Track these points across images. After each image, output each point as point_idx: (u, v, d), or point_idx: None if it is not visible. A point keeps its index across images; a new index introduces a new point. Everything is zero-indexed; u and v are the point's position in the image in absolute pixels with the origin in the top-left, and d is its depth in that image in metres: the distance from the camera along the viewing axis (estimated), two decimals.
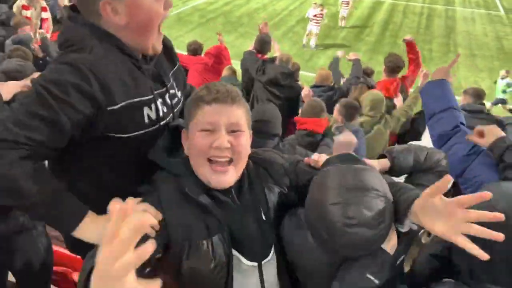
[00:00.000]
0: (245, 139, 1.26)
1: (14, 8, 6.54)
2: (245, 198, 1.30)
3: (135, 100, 1.29)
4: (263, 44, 4.75)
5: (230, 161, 1.22)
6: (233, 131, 1.22)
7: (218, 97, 1.21)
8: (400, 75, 4.80)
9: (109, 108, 1.21)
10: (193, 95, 1.28)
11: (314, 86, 4.65)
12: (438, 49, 15.30)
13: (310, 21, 14.98)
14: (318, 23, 14.88)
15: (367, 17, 18.87)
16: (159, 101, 1.38)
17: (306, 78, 9.59)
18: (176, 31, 16.74)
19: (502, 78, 11.33)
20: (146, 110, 1.32)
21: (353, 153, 1.37)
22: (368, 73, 5.29)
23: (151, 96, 1.34)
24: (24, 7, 6.53)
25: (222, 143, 1.19)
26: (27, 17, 6.19)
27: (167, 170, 1.29)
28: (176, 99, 1.51)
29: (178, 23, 17.78)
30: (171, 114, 1.45)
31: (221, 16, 18.85)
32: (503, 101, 11.20)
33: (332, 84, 4.76)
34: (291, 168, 1.43)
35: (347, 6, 16.67)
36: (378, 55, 14.63)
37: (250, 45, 5.09)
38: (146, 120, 1.33)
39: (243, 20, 18.21)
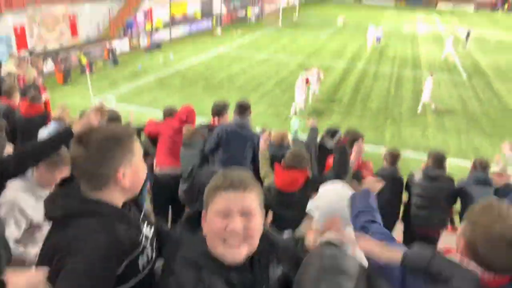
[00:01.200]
0: (258, 221, 1.39)
1: None
2: (253, 273, 1.43)
3: (134, 255, 1.49)
4: (221, 108, 4.95)
5: (243, 240, 1.36)
6: (245, 215, 1.35)
7: (232, 185, 1.35)
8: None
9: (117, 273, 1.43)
10: (211, 182, 1.42)
11: (272, 145, 4.86)
12: (408, 111, 16.16)
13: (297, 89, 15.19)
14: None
15: (339, 81, 19.96)
16: (147, 245, 1.57)
17: None
18: (157, 94, 17.32)
19: None
20: (140, 260, 1.52)
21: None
22: (332, 133, 5.53)
23: (142, 245, 1.54)
24: None
25: (235, 228, 1.32)
26: None
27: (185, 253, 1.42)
28: (150, 229, 1.68)
29: (159, 86, 18.43)
30: (153, 252, 1.63)
31: (202, 80, 19.65)
32: None
33: (288, 144, 4.98)
34: (291, 252, 1.65)
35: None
36: (351, 117, 15.37)
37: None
38: (141, 268, 1.53)
39: (223, 84, 19.01)
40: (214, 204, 1.36)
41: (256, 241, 1.39)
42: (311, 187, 3.22)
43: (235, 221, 1.33)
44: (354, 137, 4.28)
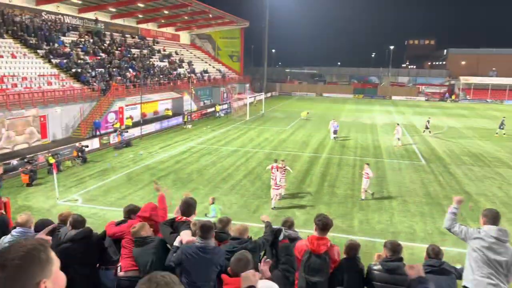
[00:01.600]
0: None
1: None
2: None
3: None
4: (187, 207, 4.97)
5: None
6: None
7: None
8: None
9: None
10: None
11: (232, 239, 4.89)
12: (375, 197, 16.64)
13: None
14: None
15: (306, 170, 20.62)
16: None
17: (252, 228, 9.92)
18: (126, 189, 17.21)
19: None
20: None
21: None
22: (289, 225, 5.67)
23: None
24: None
25: None
26: None
27: None
28: None
29: (128, 182, 18.38)
30: None
31: (172, 173, 19.82)
32: None
33: (249, 238, 5.02)
34: None
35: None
36: (319, 204, 15.64)
37: (201, 200, 5.30)
38: None
39: (193, 177, 19.21)
40: None
41: None
42: None
43: None
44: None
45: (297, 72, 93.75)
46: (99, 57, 36.57)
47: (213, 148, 26.17)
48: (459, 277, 4.78)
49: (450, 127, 37.72)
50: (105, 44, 40.01)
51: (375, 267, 4.76)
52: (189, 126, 35.12)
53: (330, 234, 6.62)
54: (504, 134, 32.36)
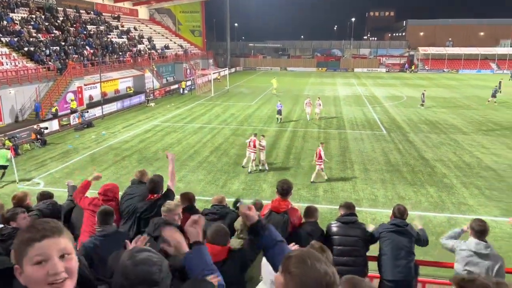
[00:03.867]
0: (75, 260, 1.52)
1: None
2: None
3: None
4: (154, 185, 5.03)
5: (66, 279, 1.47)
6: (64, 256, 1.47)
7: (45, 234, 1.46)
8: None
9: None
10: (20, 236, 1.50)
11: (213, 205, 5.11)
12: (337, 167, 17.18)
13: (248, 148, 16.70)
14: (254, 151, 16.47)
15: (272, 144, 20.89)
16: None
17: None
18: (90, 171, 16.85)
19: None
20: None
21: None
22: (258, 208, 5.89)
23: None
24: None
25: (57, 269, 1.43)
26: None
27: None
28: None
29: (91, 163, 17.98)
30: None
31: (136, 152, 19.53)
32: None
33: (224, 204, 5.23)
34: None
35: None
36: (286, 176, 15.99)
37: (167, 179, 5.30)
38: None
39: (158, 155, 19.03)
40: (30, 255, 1.44)
41: (75, 276, 1.52)
42: (235, 259, 3.36)
43: (56, 263, 1.44)
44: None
45: (261, 46, 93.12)
46: (52, 35, 34.82)
47: (178, 126, 25.90)
48: (419, 241, 5.11)
49: (409, 96, 39.00)
50: (58, 21, 38.06)
51: (333, 224, 5.13)
52: (152, 104, 34.43)
53: (296, 204, 6.95)
54: (495, 102, 33.71)
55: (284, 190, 4.87)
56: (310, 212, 5.12)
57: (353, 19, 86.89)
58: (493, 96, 34.20)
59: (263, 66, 79.47)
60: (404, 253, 4.96)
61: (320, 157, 15.28)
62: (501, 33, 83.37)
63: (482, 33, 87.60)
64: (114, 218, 4.34)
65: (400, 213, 5.18)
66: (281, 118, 26.65)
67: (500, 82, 39.73)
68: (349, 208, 5.21)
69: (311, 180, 15.36)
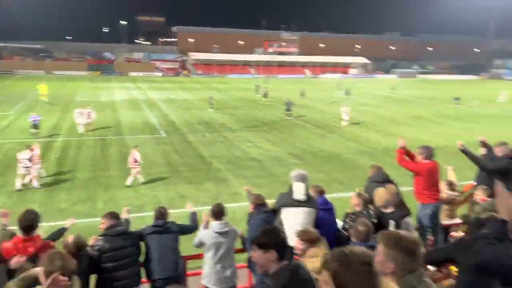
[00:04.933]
0: None
1: None
2: None
3: None
4: None
5: None
6: None
7: None
8: None
9: None
10: None
11: None
12: (118, 174, 16.42)
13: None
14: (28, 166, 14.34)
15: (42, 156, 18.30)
16: None
17: None
18: None
19: None
20: None
21: None
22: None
23: None
24: None
25: None
26: None
27: None
28: None
29: None
30: None
31: None
32: None
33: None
34: None
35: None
36: (59, 192, 14.28)
37: None
38: None
39: None
40: None
41: None
42: None
43: None
44: None
45: (16, 47, 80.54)
46: None
47: None
48: (181, 233, 5.42)
49: (185, 99, 41.04)
50: None
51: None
52: None
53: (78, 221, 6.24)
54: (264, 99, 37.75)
55: (28, 226, 4.32)
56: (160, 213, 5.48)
57: (123, 22, 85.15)
58: (265, 96, 39.90)
59: (22, 70, 68.95)
60: (170, 251, 5.22)
61: (135, 161, 15.18)
62: (256, 42, 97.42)
63: (241, 42, 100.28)
64: None
65: (161, 214, 5.50)
66: (37, 132, 22.21)
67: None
68: (161, 214, 5.42)
69: (127, 184, 14.91)
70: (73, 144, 21.09)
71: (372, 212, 5.33)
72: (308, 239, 4.00)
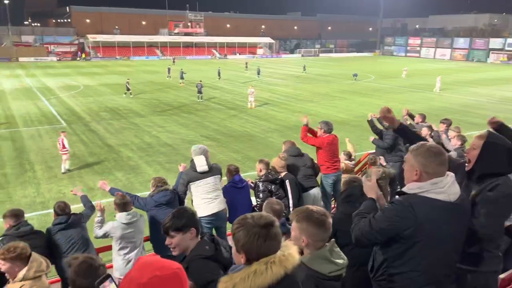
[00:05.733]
0: None
1: None
2: None
3: None
4: None
5: None
6: None
7: None
8: None
9: None
10: None
11: None
12: (13, 172, 14.96)
13: None
14: None
15: None
16: None
17: None
18: None
19: None
20: None
21: None
22: None
23: None
24: None
25: None
26: None
27: None
28: None
29: None
30: None
31: None
32: None
33: None
34: None
35: None
36: None
37: None
38: None
39: None
40: None
41: None
42: None
43: None
44: None
45: None
46: None
47: None
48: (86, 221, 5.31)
49: (86, 85, 38.31)
50: None
51: None
52: None
53: None
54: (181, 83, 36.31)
55: None
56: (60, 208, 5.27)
57: (6, 1, 75.69)
58: (181, 78, 38.55)
59: None
60: (80, 245, 5.05)
61: (64, 146, 14.80)
62: (160, 23, 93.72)
63: (144, 22, 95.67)
64: None
65: (61, 209, 5.26)
66: None
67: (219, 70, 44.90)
68: (17, 216, 4.77)
69: (62, 171, 14.71)
70: None
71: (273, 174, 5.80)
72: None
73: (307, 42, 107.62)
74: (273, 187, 5.68)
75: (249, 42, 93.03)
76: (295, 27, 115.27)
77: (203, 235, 2.96)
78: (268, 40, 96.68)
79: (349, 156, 8.34)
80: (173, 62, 61.09)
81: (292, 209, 5.23)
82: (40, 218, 11.14)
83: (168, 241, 2.83)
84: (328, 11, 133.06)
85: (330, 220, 2.55)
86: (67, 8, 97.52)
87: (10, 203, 12.32)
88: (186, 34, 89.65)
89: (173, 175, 14.68)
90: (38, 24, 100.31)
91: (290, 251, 2.02)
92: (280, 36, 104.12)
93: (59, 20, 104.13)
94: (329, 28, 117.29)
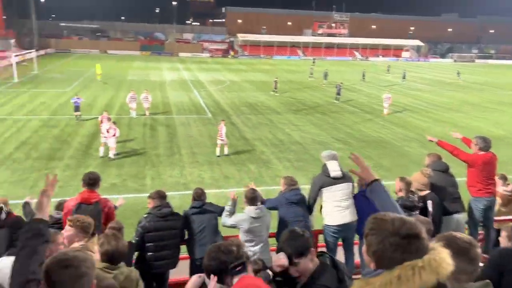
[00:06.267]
0: None
1: None
2: None
3: None
4: None
5: None
6: None
7: None
8: None
9: None
10: None
11: None
12: (164, 153, 16.94)
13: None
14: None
15: (94, 134, 19.21)
16: None
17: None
18: None
19: None
20: None
21: None
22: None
23: None
24: None
25: None
26: None
27: None
28: None
29: None
30: None
31: None
32: None
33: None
34: None
35: None
36: (109, 167, 14.96)
37: None
38: None
39: None
40: None
41: None
42: None
43: None
44: None
45: (75, 26, 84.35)
46: None
47: None
48: (220, 213, 5.54)
49: (231, 81, 41.27)
50: None
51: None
52: None
53: (123, 196, 6.69)
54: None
55: (92, 180, 5.11)
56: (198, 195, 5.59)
57: (174, 3, 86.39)
58: (325, 79, 39.24)
59: (79, 48, 72.32)
60: (209, 231, 5.32)
61: (221, 134, 16.52)
62: (305, 23, 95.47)
63: (289, 23, 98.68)
64: None
65: (198, 195, 5.63)
66: (80, 115, 21.95)
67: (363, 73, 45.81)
68: (161, 198, 5.28)
69: (217, 155, 16.62)
70: (124, 123, 21.85)
71: (415, 197, 5.15)
72: None
73: (462, 46, 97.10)
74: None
75: (395, 44, 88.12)
76: (449, 29, 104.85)
77: (320, 254, 2.77)
78: (416, 42, 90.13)
79: (505, 180, 7.08)
80: (313, 62, 61.49)
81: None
82: (182, 198, 12.35)
83: (292, 271, 2.61)
84: (491, 13, 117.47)
85: (479, 251, 2.14)
86: (223, 9, 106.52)
87: (159, 180, 14.00)
88: (329, 35, 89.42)
89: (301, 174, 14.84)
90: (198, 24, 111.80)
91: (442, 255, 1.67)
92: (431, 38, 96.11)
93: (214, 20, 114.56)
94: (491, 31, 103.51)
